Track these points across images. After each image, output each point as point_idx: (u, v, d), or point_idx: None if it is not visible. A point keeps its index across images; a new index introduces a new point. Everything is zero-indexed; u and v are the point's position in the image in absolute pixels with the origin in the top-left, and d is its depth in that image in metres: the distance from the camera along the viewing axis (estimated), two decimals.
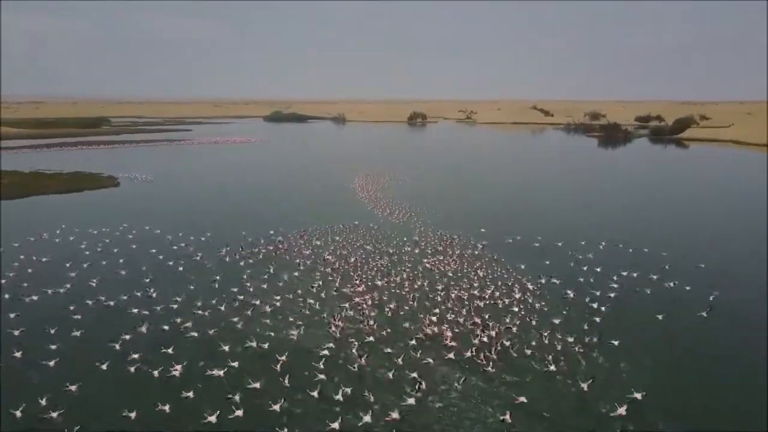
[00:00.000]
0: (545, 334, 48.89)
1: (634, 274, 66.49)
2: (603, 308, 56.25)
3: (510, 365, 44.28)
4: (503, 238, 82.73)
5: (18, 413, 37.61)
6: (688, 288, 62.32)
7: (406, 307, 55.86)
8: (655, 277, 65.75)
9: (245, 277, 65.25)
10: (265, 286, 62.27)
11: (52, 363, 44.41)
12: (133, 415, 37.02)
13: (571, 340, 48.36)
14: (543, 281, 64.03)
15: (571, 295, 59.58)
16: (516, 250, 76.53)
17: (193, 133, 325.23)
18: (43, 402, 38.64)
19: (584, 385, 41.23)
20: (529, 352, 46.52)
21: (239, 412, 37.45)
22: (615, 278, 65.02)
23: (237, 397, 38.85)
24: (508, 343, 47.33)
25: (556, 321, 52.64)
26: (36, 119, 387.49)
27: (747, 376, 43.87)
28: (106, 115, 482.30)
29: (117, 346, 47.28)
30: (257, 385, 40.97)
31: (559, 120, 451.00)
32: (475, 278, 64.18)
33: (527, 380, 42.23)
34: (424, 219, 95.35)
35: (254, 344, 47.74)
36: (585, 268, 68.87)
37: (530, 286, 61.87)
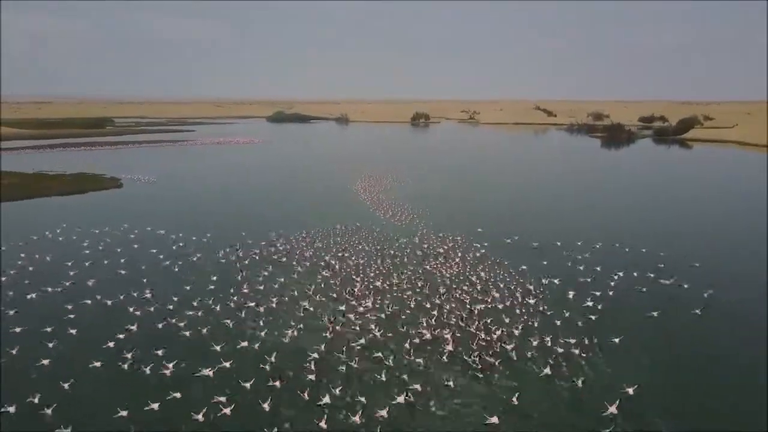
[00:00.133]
0: (547, 338, 48.72)
1: (635, 274, 66.85)
2: (600, 306, 56.62)
3: (508, 368, 44.16)
4: (506, 239, 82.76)
5: (12, 409, 38.27)
6: (685, 286, 62.78)
7: (408, 311, 55.79)
8: (652, 275, 66.41)
9: (239, 278, 65.56)
10: (261, 287, 62.51)
11: (47, 362, 44.87)
12: (125, 413, 37.45)
13: (572, 341, 48.27)
14: (544, 282, 64.04)
15: (571, 296, 59.73)
16: (517, 251, 76.41)
17: (196, 133, 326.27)
18: (36, 400, 39.11)
19: (580, 385, 41.36)
20: (529, 354, 46.50)
21: (227, 410, 37.84)
22: (614, 278, 65.36)
23: (224, 398, 39.12)
24: (509, 347, 47.25)
25: (557, 322, 52.67)
26: (38, 120, 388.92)
27: (746, 376, 43.87)
28: (108, 115, 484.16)
29: (111, 344, 47.88)
30: (247, 385, 41.29)
31: (562, 120, 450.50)
32: (477, 281, 64.03)
33: (524, 382, 42.07)
34: (427, 221, 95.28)
35: (246, 345, 48.01)
36: (582, 268, 69.39)
37: (531, 288, 61.81)
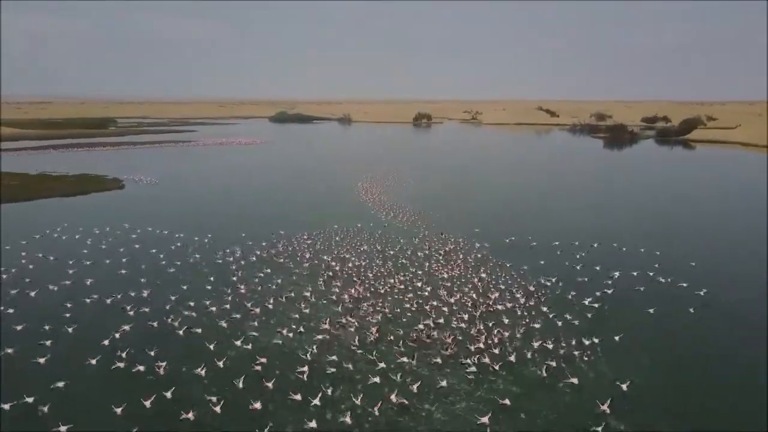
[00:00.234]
0: (546, 341, 48.66)
1: (634, 273, 67.38)
2: (597, 305, 57.09)
3: (506, 370, 44.14)
4: (506, 239, 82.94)
5: (6, 407, 38.75)
6: (684, 285, 63.33)
7: (409, 314, 55.71)
8: (651, 273, 67.22)
9: (234, 279, 65.98)
10: (259, 288, 62.84)
11: (42, 360, 45.44)
12: (119, 410, 38.03)
13: (573, 342, 48.46)
14: (542, 281, 64.35)
15: (569, 297, 60.03)
16: (517, 251, 76.46)
17: (199, 134, 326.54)
18: (30, 400, 39.49)
19: (576, 382, 41.83)
20: (529, 355, 46.62)
21: (216, 409, 38.24)
22: (613, 277, 65.89)
23: (215, 398, 39.42)
24: (510, 349, 47.37)
25: (559, 323, 52.80)
26: (40, 120, 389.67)
27: (746, 376, 43.95)
28: (110, 115, 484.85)
29: (106, 342, 48.52)
30: (240, 384, 41.62)
31: (565, 120, 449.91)
32: (479, 283, 63.99)
33: (521, 384, 42.13)
34: (428, 222, 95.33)
35: (239, 345, 48.36)
36: (579, 267, 69.95)
37: (533, 289, 61.80)
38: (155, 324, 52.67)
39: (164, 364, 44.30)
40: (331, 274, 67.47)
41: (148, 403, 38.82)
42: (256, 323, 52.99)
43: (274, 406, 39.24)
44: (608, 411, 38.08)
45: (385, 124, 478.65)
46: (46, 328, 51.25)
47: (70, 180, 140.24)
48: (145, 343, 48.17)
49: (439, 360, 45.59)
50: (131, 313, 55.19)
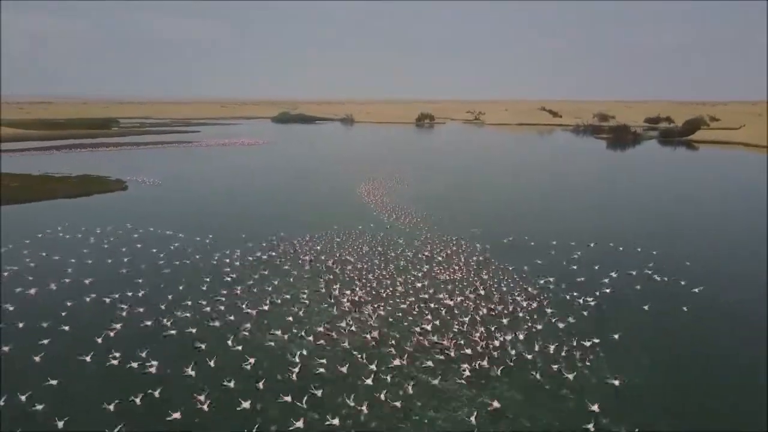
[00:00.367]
0: (543, 343, 48.66)
1: (633, 272, 68.02)
2: (595, 305, 57.60)
3: (504, 373, 44.07)
4: (504, 239, 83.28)
5: (1, 402, 39.52)
6: (680, 284, 64.20)
7: (410, 317, 55.57)
8: (649, 272, 68.35)
9: (229, 279, 66.39)
10: (254, 290, 63.10)
11: (38, 358, 46.23)
12: (111, 407, 38.75)
13: (574, 344, 48.45)
14: (546, 285, 64.28)
15: (568, 297, 60.37)
16: (518, 252, 76.45)
17: (201, 134, 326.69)
18: (23, 398, 40.20)
19: (571, 379, 42.29)
20: (530, 356, 46.68)
21: (204, 407, 38.79)
22: (610, 277, 66.34)
23: (202, 397, 39.85)
24: (512, 352, 47.40)
25: (560, 325, 52.82)
26: (42, 120, 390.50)
27: (746, 376, 44.03)
28: (112, 115, 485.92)
29: (99, 341, 49.33)
30: (231, 384, 42.03)
31: (567, 121, 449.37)
32: (481, 286, 63.84)
33: (518, 386, 42.09)
34: (431, 224, 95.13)
35: (231, 345, 48.75)
36: (575, 267, 70.54)
37: (534, 292, 61.69)
38: (149, 323, 53.50)
39: (156, 363, 44.91)
40: (331, 276, 67.41)
41: (138, 400, 39.56)
42: (249, 325, 53.26)
43: (263, 407, 39.61)
44: (598, 410, 38.27)
45: (387, 124, 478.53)
46: (44, 325, 52.35)
47: (73, 181, 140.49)
48: (138, 342, 48.94)
49: (431, 363, 45.62)
50: (123, 314, 55.64)
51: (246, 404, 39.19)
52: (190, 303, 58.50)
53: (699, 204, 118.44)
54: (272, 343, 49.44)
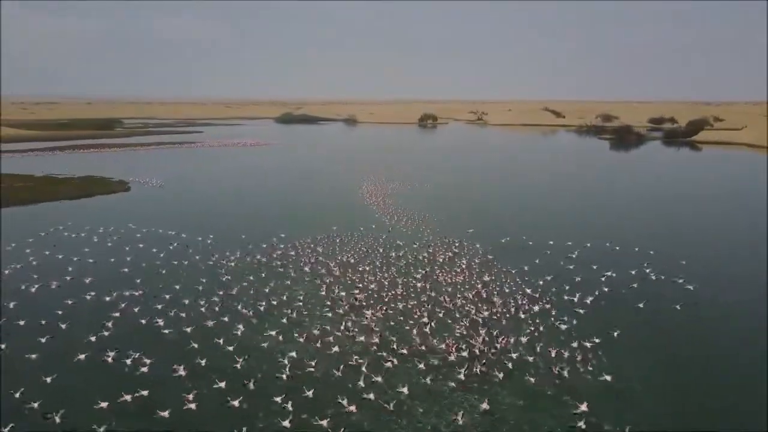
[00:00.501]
0: (552, 350, 48.34)
1: (632, 272, 68.81)
2: (594, 306, 58.15)
3: (501, 375, 43.92)
4: (502, 240, 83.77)
5: None
6: (679, 281, 65.47)
7: (411, 321, 55.30)
8: (647, 270, 69.54)
9: (225, 280, 66.92)
10: (251, 291, 63.35)
11: (34, 356, 46.95)
12: (105, 405, 39.29)
13: (574, 346, 48.47)
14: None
15: (566, 298, 60.64)
16: (519, 253, 76.48)
17: (205, 135, 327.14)
18: (17, 395, 40.77)
19: (566, 375, 42.97)
20: (531, 359, 46.67)
21: (192, 406, 39.16)
22: (607, 276, 67.25)
23: (191, 396, 40.23)
24: (514, 356, 47.14)
25: (561, 327, 52.86)
26: (42, 121, 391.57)
27: (746, 376, 44.11)
28: (115, 116, 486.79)
29: (93, 339, 50.13)
30: (222, 385, 42.26)
31: (570, 122, 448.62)
32: (482, 288, 63.61)
33: (515, 390, 41.89)
34: (433, 227, 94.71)
35: (224, 345, 49.08)
36: (572, 267, 71.33)
37: (536, 296, 61.44)
38: (143, 321, 54.26)
39: (149, 362, 45.42)
40: (331, 279, 67.33)
41: (129, 398, 40.14)
42: (241, 325, 53.53)
43: (252, 406, 39.85)
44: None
45: (390, 125, 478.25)
46: (43, 323, 53.60)
47: (76, 182, 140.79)
48: (133, 341, 49.58)
49: (429, 365, 45.56)
50: (117, 314, 56.10)
51: (235, 402, 39.61)
52: (186, 302, 59.29)
53: (700, 205, 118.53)
54: (265, 344, 49.64)
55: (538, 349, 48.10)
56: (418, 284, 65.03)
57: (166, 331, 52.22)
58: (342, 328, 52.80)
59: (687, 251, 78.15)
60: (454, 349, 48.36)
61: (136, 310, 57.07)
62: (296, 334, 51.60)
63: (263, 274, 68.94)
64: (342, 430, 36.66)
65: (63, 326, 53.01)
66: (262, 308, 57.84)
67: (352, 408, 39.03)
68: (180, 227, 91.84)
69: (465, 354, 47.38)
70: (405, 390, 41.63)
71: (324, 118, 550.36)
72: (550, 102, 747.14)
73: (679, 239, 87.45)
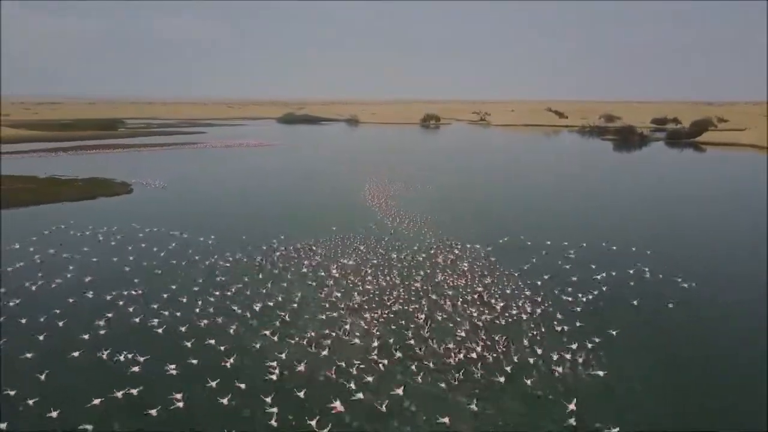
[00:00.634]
0: (552, 354, 48.29)
1: (630, 271, 69.36)
2: (593, 306, 58.49)
3: (508, 379, 43.80)
4: (500, 239, 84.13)
5: None
6: (678, 280, 66.12)
7: (412, 325, 55.15)
8: (646, 269, 70.06)
9: (222, 279, 67.41)
10: (248, 292, 63.60)
11: (30, 355, 47.60)
12: (97, 401, 39.96)
13: (574, 347, 48.40)
14: (539, 283, 65.55)
15: (565, 298, 60.94)
16: (517, 255, 76.40)
17: (207, 135, 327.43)
18: (12, 393, 41.38)
19: (560, 373, 43.15)
20: (532, 361, 46.63)
21: (180, 405, 39.56)
22: (605, 277, 67.64)
23: (180, 395, 40.56)
24: (515, 358, 47.23)
25: (559, 329, 52.98)
26: (44, 121, 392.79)
27: (746, 376, 44.18)
28: (118, 116, 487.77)
29: (87, 337, 50.81)
30: (213, 384, 42.62)
31: (573, 122, 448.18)
32: (484, 291, 63.53)
33: (514, 393, 41.79)
34: (435, 229, 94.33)
35: (216, 345, 49.40)
36: (568, 267, 71.92)
37: (538, 299, 61.25)
38: (137, 320, 54.96)
39: (142, 360, 46.04)
40: (331, 282, 67.34)
41: (120, 395, 40.71)
42: (234, 326, 53.81)
43: (240, 405, 40.13)
44: (574, 408, 38.53)
45: (392, 125, 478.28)
46: (42, 320, 54.61)
47: (79, 184, 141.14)
48: (127, 339, 50.29)
49: (413, 367, 45.62)
50: (110, 315, 56.50)
51: (224, 401, 40.03)
52: (182, 302, 59.84)
53: (701, 206, 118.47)
54: (257, 345, 49.88)
55: (539, 351, 48.10)
56: (419, 287, 64.97)
57: (160, 330, 52.83)
58: (338, 329, 52.90)
59: (687, 251, 78.66)
60: (453, 352, 48.26)
61: (131, 309, 57.65)
62: (290, 336, 51.78)
63: (260, 275, 69.20)
64: (327, 429, 36.84)
65: (60, 324, 53.91)
66: (257, 309, 58.16)
67: (342, 408, 39.23)
68: (182, 228, 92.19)
69: (462, 357, 47.34)
70: (399, 391, 41.71)
71: (326, 119, 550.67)
72: (550, 102, 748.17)
73: (681, 240, 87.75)
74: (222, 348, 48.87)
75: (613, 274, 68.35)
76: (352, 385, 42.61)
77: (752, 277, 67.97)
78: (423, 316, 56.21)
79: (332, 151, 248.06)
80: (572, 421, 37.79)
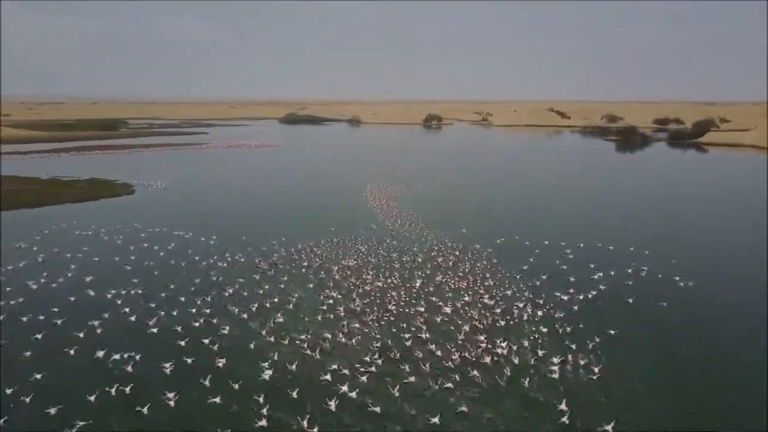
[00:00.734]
0: (552, 357, 48.21)
1: (629, 270, 69.75)
2: (592, 307, 58.68)
3: (507, 382, 43.83)
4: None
5: None
6: (676, 278, 66.61)
7: (413, 327, 55.08)
8: (645, 269, 70.56)
9: (219, 280, 67.81)
10: (245, 292, 63.76)
11: (28, 353, 48.16)
12: (92, 398, 40.57)
13: (573, 346, 48.64)
14: (537, 282, 65.88)
15: (565, 298, 61.05)
16: (517, 255, 76.49)
17: (209, 136, 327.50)
18: (9, 391, 41.90)
19: (556, 375, 43.25)
20: (532, 361, 46.78)
21: (171, 403, 40.05)
22: (603, 277, 68.04)
23: (171, 393, 40.92)
24: (515, 361, 47.18)
25: (561, 331, 52.88)
26: (46, 122, 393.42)
27: (746, 376, 44.23)
28: (120, 116, 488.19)
29: (82, 335, 51.39)
30: (206, 383, 42.96)
31: (575, 122, 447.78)
32: (485, 293, 63.39)
33: (513, 395, 41.81)
34: (437, 231, 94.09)
35: (209, 344, 49.81)
36: (565, 267, 72.40)
37: (539, 301, 61.13)
38: (132, 319, 55.45)
39: (137, 358, 46.55)
40: (331, 283, 67.35)
41: (113, 391, 41.21)
42: (229, 326, 54.07)
43: (231, 404, 40.47)
44: (566, 408, 38.62)
45: (394, 125, 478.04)
46: (41, 318, 55.27)
47: (81, 185, 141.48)
48: (123, 338, 50.77)
49: (407, 368, 45.64)
50: (108, 313, 56.89)
51: (216, 399, 40.37)
52: (180, 301, 60.21)
53: (702, 206, 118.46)
54: (252, 345, 50.07)
55: (539, 353, 48.05)
56: (419, 288, 64.89)
57: (155, 330, 53.18)
58: (336, 330, 52.93)
59: (687, 251, 78.83)
60: (452, 354, 48.21)
61: (129, 308, 58.06)
62: (285, 336, 51.89)
63: (258, 276, 69.32)
64: (316, 429, 37.03)
65: (59, 322, 54.47)
66: (254, 309, 58.36)
67: (333, 408, 39.44)
68: (183, 229, 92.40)
69: (460, 358, 47.38)
70: (396, 393, 41.75)
71: (328, 119, 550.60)
72: (550, 102, 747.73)
73: (681, 240, 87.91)
74: (216, 348, 49.14)
75: (612, 273, 68.55)
76: (346, 388, 42.50)
77: (752, 277, 67.93)
78: (424, 318, 56.14)
79: (334, 151, 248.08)
80: (572, 422, 37.78)
